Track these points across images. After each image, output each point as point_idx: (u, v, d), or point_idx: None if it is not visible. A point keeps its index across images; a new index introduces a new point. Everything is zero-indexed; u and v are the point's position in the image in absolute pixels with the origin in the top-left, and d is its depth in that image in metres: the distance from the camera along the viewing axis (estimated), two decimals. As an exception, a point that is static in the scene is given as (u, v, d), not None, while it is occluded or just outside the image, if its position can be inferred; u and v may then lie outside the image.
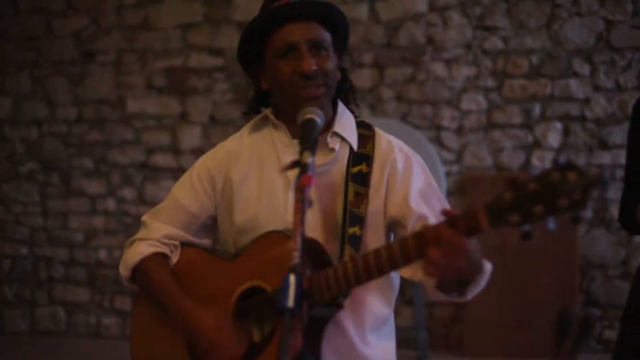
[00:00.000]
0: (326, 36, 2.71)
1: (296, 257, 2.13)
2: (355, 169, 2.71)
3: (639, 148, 3.26)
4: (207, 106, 7.09)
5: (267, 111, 2.83)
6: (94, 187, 7.39)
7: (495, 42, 6.58)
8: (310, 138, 2.41)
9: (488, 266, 2.41)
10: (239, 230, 2.76)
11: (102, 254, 7.38)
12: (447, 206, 2.60)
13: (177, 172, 6.93)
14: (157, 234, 2.86)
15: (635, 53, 6.41)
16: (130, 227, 7.22)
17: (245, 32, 2.77)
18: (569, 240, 6.22)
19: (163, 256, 2.86)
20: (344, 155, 2.72)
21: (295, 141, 2.72)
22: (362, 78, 6.71)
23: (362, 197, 2.68)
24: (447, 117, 6.63)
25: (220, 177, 2.84)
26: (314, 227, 2.65)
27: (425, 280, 2.54)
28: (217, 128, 7.05)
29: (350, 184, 2.69)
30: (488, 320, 6.29)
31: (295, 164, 2.37)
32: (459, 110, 6.62)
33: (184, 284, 2.79)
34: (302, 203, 2.22)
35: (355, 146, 2.74)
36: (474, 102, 6.61)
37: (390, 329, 2.84)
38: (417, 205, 2.66)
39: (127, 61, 7.29)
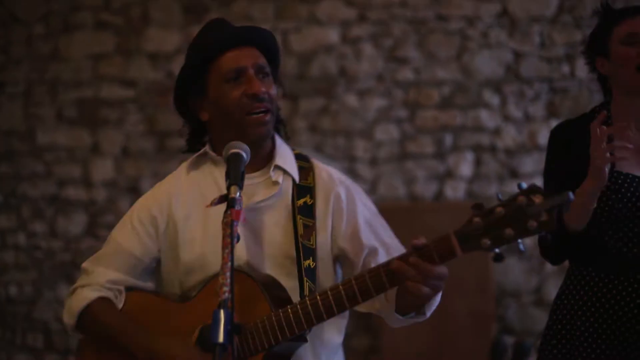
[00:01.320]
0: (266, 63, 2.75)
1: (226, 292, 2.14)
2: (300, 202, 2.73)
3: (556, 175, 3.31)
4: (120, 138, 7.00)
5: (205, 147, 2.81)
6: (3, 221, 7.24)
7: (406, 74, 6.64)
8: (237, 172, 2.42)
9: None
10: (186, 270, 2.72)
11: (13, 290, 7.22)
12: (390, 231, 2.79)
13: (89, 205, 6.82)
14: (101, 279, 2.77)
15: (543, 83, 6.53)
16: (42, 261, 7.08)
17: (187, 59, 2.76)
18: (483, 269, 6.27)
19: (109, 300, 2.76)
20: (287, 188, 2.74)
21: (247, 175, 2.71)
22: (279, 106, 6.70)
23: (310, 229, 2.71)
24: (361, 148, 6.66)
25: (162, 218, 2.79)
26: (265, 262, 2.65)
27: (383, 308, 2.62)
28: (130, 160, 6.96)
29: (298, 216, 2.70)
30: (405, 350, 6.30)
31: (222, 199, 2.38)
32: (372, 141, 6.66)
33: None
34: (230, 238, 2.23)
35: (297, 178, 2.74)
36: (386, 132, 6.65)
37: (340, 358, 2.85)
38: (367, 238, 2.73)
39: (37, 92, 7.16)
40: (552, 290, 5.62)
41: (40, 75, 7.16)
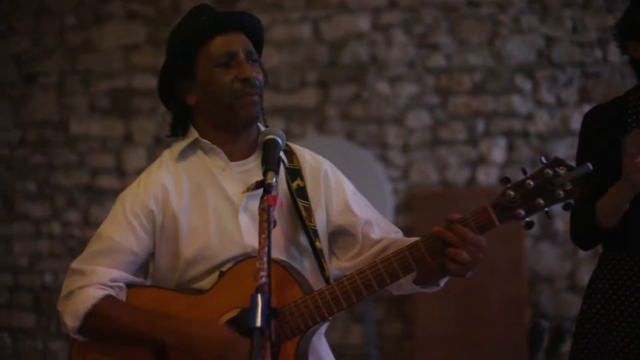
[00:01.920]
0: (254, 49, 2.75)
1: (263, 277, 2.16)
2: (294, 184, 2.72)
3: (588, 160, 3.30)
4: (152, 127, 7.04)
5: (195, 135, 2.77)
6: (37, 210, 7.30)
7: (438, 60, 6.63)
8: (272, 158, 2.44)
9: None
10: (188, 262, 2.68)
11: (48, 279, 7.29)
12: (372, 208, 2.84)
13: (123, 194, 6.85)
14: (103, 278, 2.66)
15: (575, 68, 6.50)
16: (76, 250, 7.13)
17: (176, 43, 2.76)
18: (516, 254, 6.27)
19: (116, 298, 2.66)
20: (280, 172, 2.66)
21: (233, 164, 2.72)
22: (306, 97, 6.73)
23: (310, 211, 2.72)
24: (392, 134, 6.66)
25: (159, 211, 2.72)
26: (272, 248, 2.65)
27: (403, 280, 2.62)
28: (162, 149, 6.93)
29: (298, 199, 2.70)
30: (438, 335, 6.31)
31: (259, 185, 2.39)
32: (404, 128, 6.65)
33: None
34: (267, 223, 2.24)
35: (286, 161, 2.75)
36: (418, 119, 6.65)
37: (325, 343, 2.85)
38: (360, 211, 2.78)
39: (69, 83, 7.21)
40: (585, 276, 5.60)
41: (72, 66, 7.20)
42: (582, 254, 6.33)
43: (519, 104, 6.53)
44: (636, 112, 3.24)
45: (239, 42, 2.70)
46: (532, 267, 6.45)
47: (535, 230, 6.40)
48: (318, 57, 6.74)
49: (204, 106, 2.74)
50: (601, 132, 3.27)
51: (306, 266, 2.71)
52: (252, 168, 2.74)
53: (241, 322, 2.44)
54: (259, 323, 2.09)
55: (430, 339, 6.35)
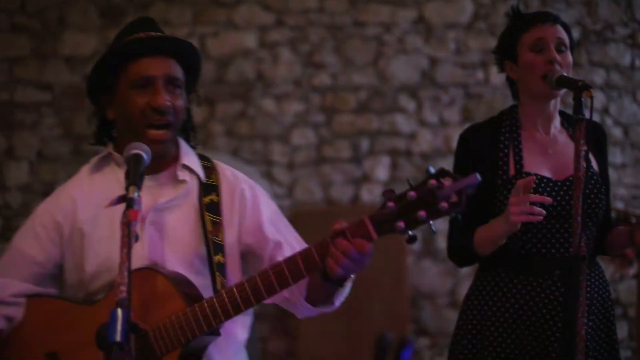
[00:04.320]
0: (181, 74, 2.74)
1: (123, 292, 2.15)
2: (207, 199, 2.74)
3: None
4: (35, 142, 6.92)
5: (109, 149, 2.80)
6: None
7: (323, 79, 6.69)
8: (135, 173, 2.42)
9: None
10: (92, 274, 2.68)
11: None
12: (293, 230, 2.84)
13: (3, 209, 6.72)
14: (4, 293, 2.70)
15: (458, 89, 6.63)
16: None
17: (100, 60, 2.74)
18: (398, 271, 6.35)
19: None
20: (193, 186, 2.74)
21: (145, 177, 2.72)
22: (192, 113, 6.68)
23: (218, 225, 2.73)
24: (278, 152, 6.69)
25: (66, 224, 2.74)
26: (174, 261, 2.66)
27: (292, 297, 2.66)
28: (45, 164, 6.88)
29: (206, 213, 2.71)
30: (322, 352, 6.34)
31: (121, 199, 2.38)
32: (289, 146, 6.70)
33: (46, 336, 2.67)
34: (128, 238, 2.23)
35: (202, 177, 2.76)
36: (303, 137, 6.70)
37: (244, 356, 2.86)
38: (271, 233, 2.77)
39: (-49, 96, 7.06)
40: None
41: (-46, 78, 7.05)
42: (463, 270, 6.45)
43: (403, 123, 6.64)
44: (509, 131, 3.32)
45: (161, 68, 2.68)
46: (414, 284, 6.54)
47: (417, 247, 6.52)
48: (204, 73, 6.66)
49: (120, 123, 2.76)
50: (477, 151, 3.33)
51: (208, 279, 2.71)
52: (165, 182, 2.76)
53: (101, 336, 2.41)
54: (118, 338, 2.09)
55: (314, 356, 6.38)
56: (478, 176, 2.18)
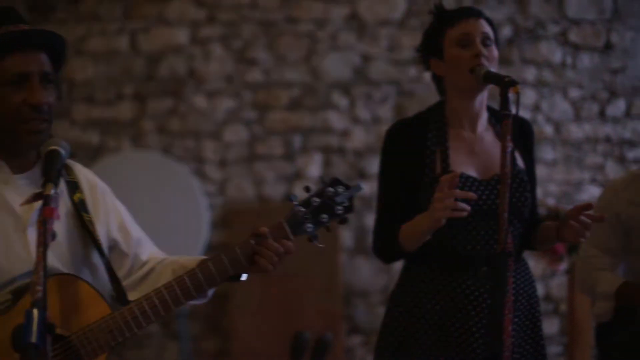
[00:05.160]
0: (51, 69, 2.63)
1: (39, 292, 2.09)
2: (76, 197, 2.67)
3: (390, 176, 3.36)
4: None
5: None
6: None
7: (255, 75, 6.66)
8: (52, 169, 2.36)
9: None
10: None
11: None
12: (138, 227, 2.86)
13: None
14: None
15: (391, 86, 6.64)
16: None
17: None
18: (331, 269, 6.34)
19: None
20: (62, 186, 2.62)
21: (16, 176, 2.62)
22: (122, 110, 6.61)
23: (93, 224, 2.67)
24: (209, 149, 6.64)
25: None
26: (58, 263, 2.57)
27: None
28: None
29: (82, 213, 2.66)
30: (256, 351, 6.31)
31: (37, 197, 2.32)
32: (221, 143, 6.64)
33: None
34: (44, 236, 2.18)
35: (65, 174, 2.68)
36: (235, 134, 6.65)
37: None
38: (133, 229, 2.82)
39: None
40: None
41: None
42: (396, 268, 6.43)
43: (336, 120, 6.63)
44: (436, 128, 3.31)
45: (35, 63, 2.58)
46: (347, 282, 6.54)
47: (350, 244, 6.52)
48: (135, 69, 6.64)
49: None
50: (404, 147, 3.33)
51: (98, 280, 2.66)
52: (37, 181, 2.64)
53: (16, 338, 2.35)
54: (34, 339, 2.04)
55: (248, 355, 6.35)
56: (361, 185, 2.70)
